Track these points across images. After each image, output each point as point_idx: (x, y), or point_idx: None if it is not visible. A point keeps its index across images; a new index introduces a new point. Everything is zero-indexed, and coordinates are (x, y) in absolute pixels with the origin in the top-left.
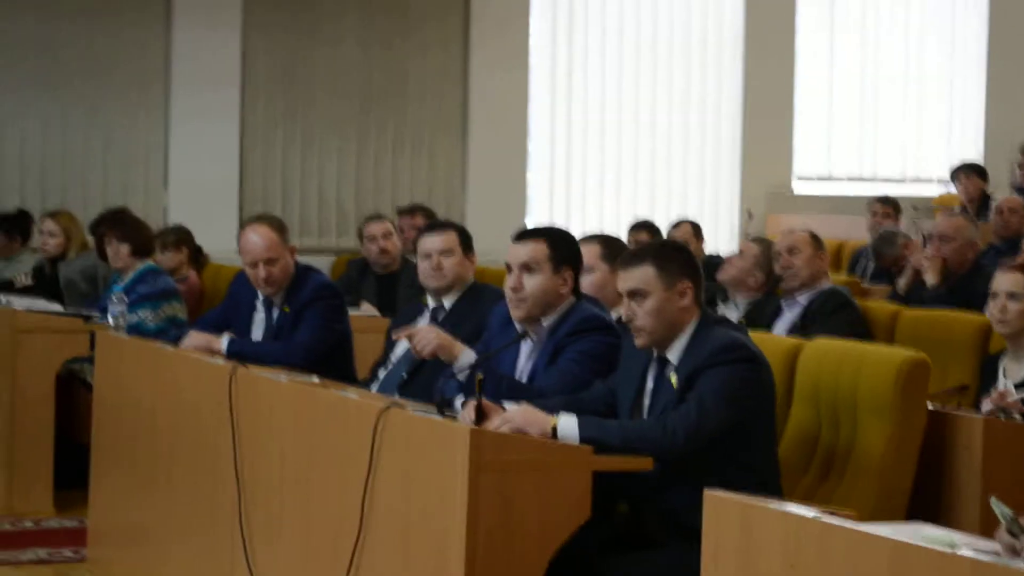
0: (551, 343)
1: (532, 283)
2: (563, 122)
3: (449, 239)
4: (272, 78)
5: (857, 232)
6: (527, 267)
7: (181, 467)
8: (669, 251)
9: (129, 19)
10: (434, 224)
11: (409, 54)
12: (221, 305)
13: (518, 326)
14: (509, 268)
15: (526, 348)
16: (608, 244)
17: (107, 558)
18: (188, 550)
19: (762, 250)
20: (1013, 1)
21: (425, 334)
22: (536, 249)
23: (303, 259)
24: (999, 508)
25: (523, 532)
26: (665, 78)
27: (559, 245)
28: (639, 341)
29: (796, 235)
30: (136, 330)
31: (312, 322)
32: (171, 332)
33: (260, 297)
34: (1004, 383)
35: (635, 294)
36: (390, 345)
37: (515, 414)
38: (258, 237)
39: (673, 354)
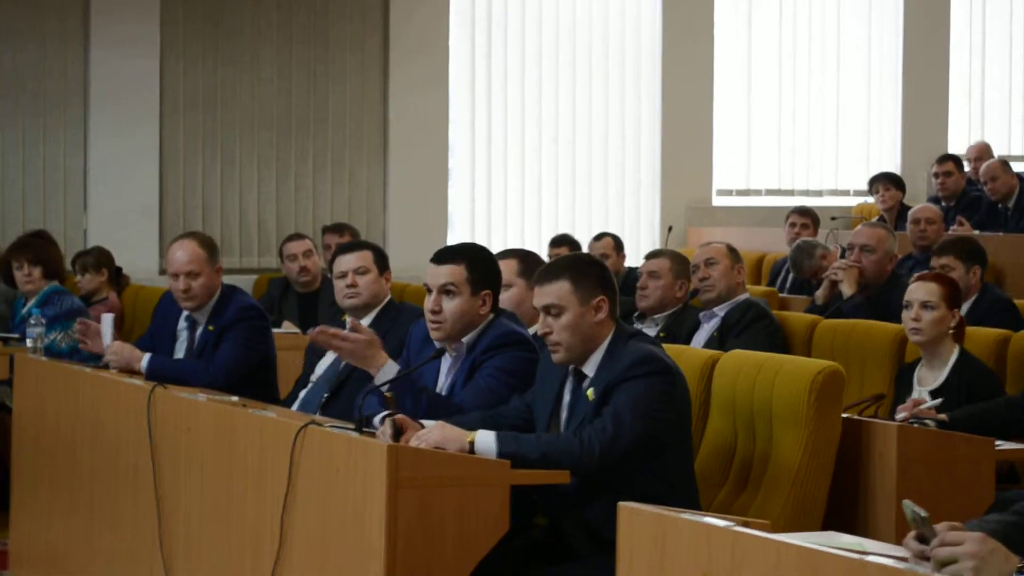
0: (469, 359)
1: (451, 306)
2: (483, 139)
3: (363, 258)
4: (191, 102)
5: (777, 244)
6: (446, 290)
7: (101, 488)
8: (584, 266)
9: (47, 41)
10: (349, 244)
11: (329, 79)
12: (148, 329)
13: (437, 343)
14: (428, 289)
15: (445, 364)
16: (525, 259)
17: None
18: (109, 572)
19: (671, 260)
20: (927, 13)
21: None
22: (455, 272)
23: (225, 279)
24: (910, 509)
25: (443, 547)
26: (584, 94)
27: (478, 267)
28: (556, 357)
29: (713, 247)
30: (49, 351)
31: (234, 342)
32: (83, 351)
33: (184, 315)
34: (919, 391)
35: (551, 309)
36: (311, 363)
37: (432, 430)
38: (183, 251)
39: (589, 368)
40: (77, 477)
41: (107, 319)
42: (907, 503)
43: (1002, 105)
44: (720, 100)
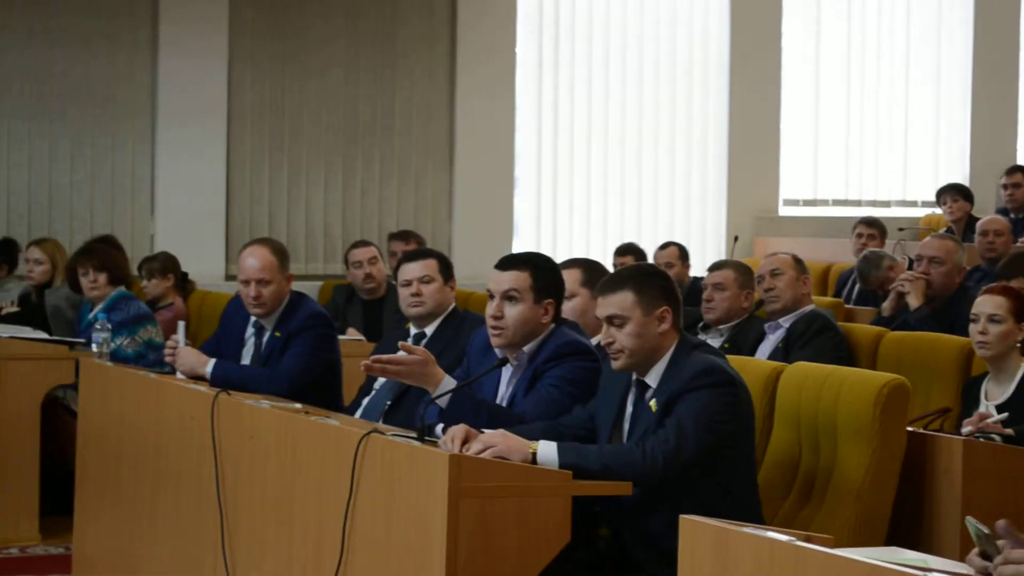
0: (531, 369)
1: (513, 313)
2: (549, 147)
3: (429, 266)
4: (259, 107)
5: (844, 255)
6: (509, 296)
7: (165, 493)
8: (648, 276)
9: (117, 49)
10: (414, 252)
11: (396, 83)
12: (215, 333)
13: (498, 351)
14: (491, 295)
15: (506, 373)
16: (589, 269)
17: None
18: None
19: (736, 271)
20: (998, 24)
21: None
22: (519, 278)
23: (292, 285)
24: (973, 527)
25: (503, 557)
26: (651, 102)
27: (543, 275)
28: (616, 364)
29: (779, 258)
30: (115, 357)
31: (300, 350)
32: (150, 356)
33: (252, 321)
34: (985, 405)
35: (614, 320)
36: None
37: (495, 440)
38: (254, 258)
39: (652, 379)
40: (140, 482)
41: (180, 327)
42: (970, 520)
43: None
44: (787, 109)
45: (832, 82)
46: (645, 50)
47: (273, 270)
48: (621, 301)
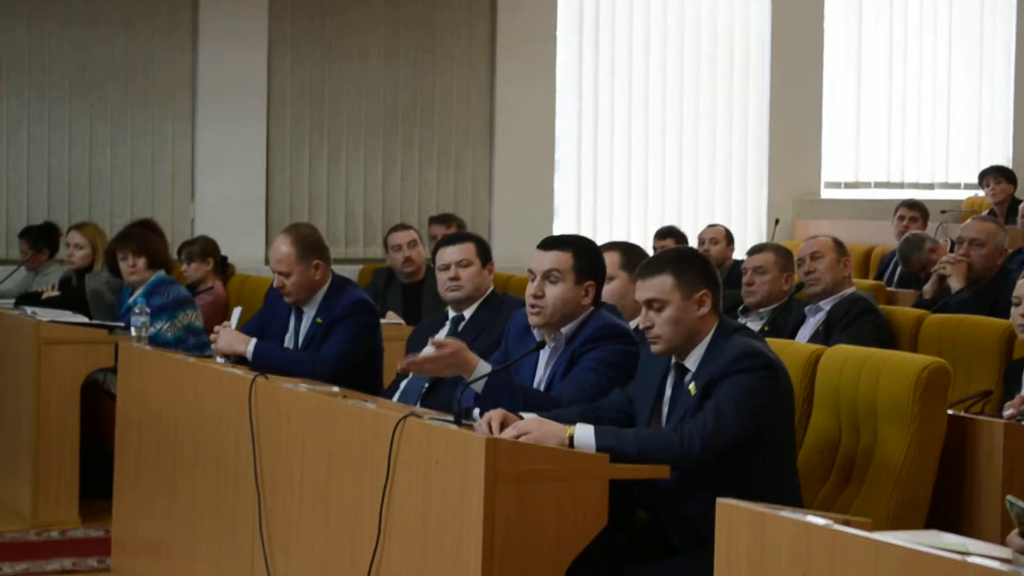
0: (568, 351)
1: (553, 292)
2: (590, 131)
3: (466, 250)
4: (298, 92)
5: (886, 237)
6: (550, 276)
7: (202, 477)
8: (687, 260)
9: (156, 33)
10: (452, 236)
11: (435, 67)
12: (258, 312)
13: (536, 333)
14: (532, 275)
15: (544, 356)
16: (628, 252)
17: (131, 568)
18: (209, 559)
19: (775, 254)
20: None
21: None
22: (561, 258)
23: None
24: (1014, 505)
25: (540, 541)
26: (692, 85)
27: (585, 257)
28: (656, 348)
29: (819, 240)
30: (154, 341)
31: (341, 336)
32: (189, 341)
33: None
34: None
35: (653, 303)
36: (412, 354)
37: (531, 424)
38: (275, 249)
39: (691, 362)
40: (179, 465)
41: (236, 313)
42: (1010, 498)
43: None
44: (829, 90)
45: (874, 64)
46: (686, 32)
47: (290, 261)
48: (660, 285)
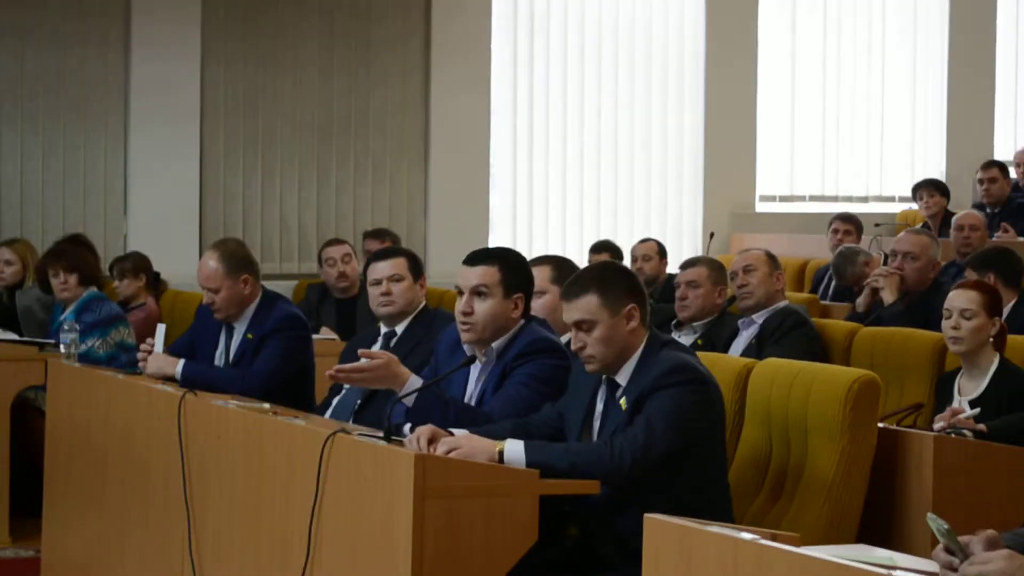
0: (499, 366)
1: (483, 308)
2: (525, 144)
3: (398, 265)
4: (232, 105)
5: (821, 251)
6: (478, 291)
7: (133, 495)
8: (610, 276)
9: (88, 45)
10: (383, 251)
11: (370, 80)
12: (188, 329)
13: (467, 348)
14: (460, 291)
15: (475, 371)
16: (559, 266)
17: None
18: None
19: (708, 268)
20: (974, 19)
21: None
22: (488, 273)
23: (265, 284)
24: (935, 524)
25: (470, 557)
26: (627, 99)
27: (511, 270)
28: (590, 367)
29: (752, 254)
30: (86, 358)
31: (272, 352)
32: (121, 358)
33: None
34: (959, 401)
35: (582, 324)
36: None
37: (461, 439)
38: (202, 266)
39: (622, 377)
40: (108, 484)
41: (160, 331)
42: (930, 516)
43: None
44: (763, 105)
45: (808, 78)
46: (620, 46)
47: (218, 277)
48: (587, 305)
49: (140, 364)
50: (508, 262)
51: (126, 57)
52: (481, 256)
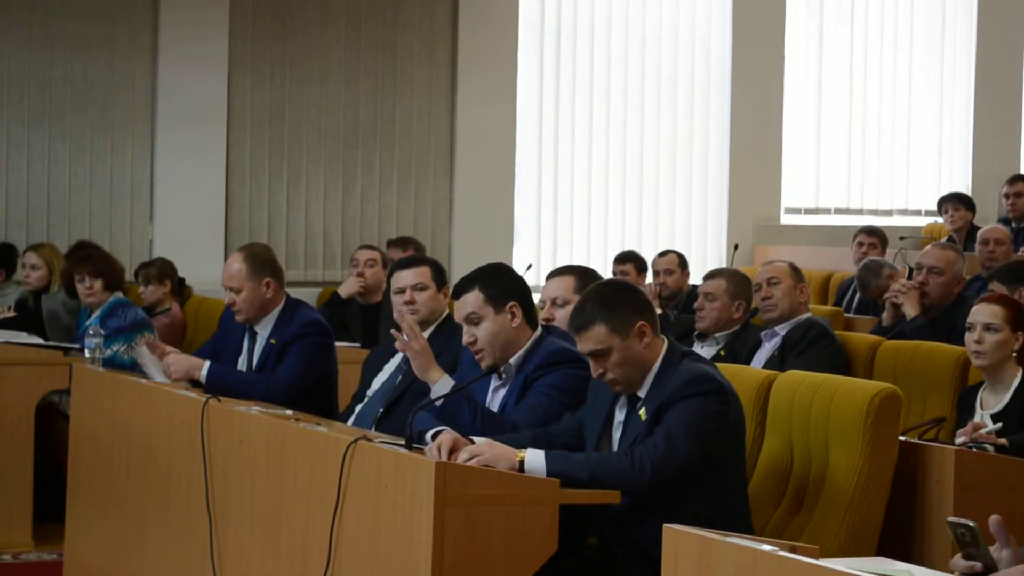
0: (520, 378)
1: (481, 332)
2: (550, 154)
3: (422, 274)
4: (258, 114)
5: (845, 264)
6: (470, 320)
7: (155, 500)
8: (613, 299)
9: (116, 54)
10: (407, 259)
11: (396, 90)
12: (213, 336)
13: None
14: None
15: (493, 384)
16: (583, 277)
17: None
18: None
19: (728, 280)
20: (1001, 33)
21: (411, 345)
22: (471, 300)
23: (290, 292)
24: (954, 525)
25: (490, 566)
26: (652, 109)
27: (491, 285)
28: (617, 390)
29: (775, 266)
30: (111, 363)
31: (296, 358)
32: None
33: (248, 326)
34: (980, 415)
35: (597, 354)
36: (367, 378)
37: (482, 448)
38: (227, 266)
39: (642, 389)
40: (131, 489)
41: (143, 351)
42: (951, 519)
43: None
44: (789, 117)
45: (834, 90)
46: (647, 57)
47: (241, 278)
48: (596, 336)
49: (164, 364)
50: (486, 279)
51: (153, 64)
52: (461, 286)
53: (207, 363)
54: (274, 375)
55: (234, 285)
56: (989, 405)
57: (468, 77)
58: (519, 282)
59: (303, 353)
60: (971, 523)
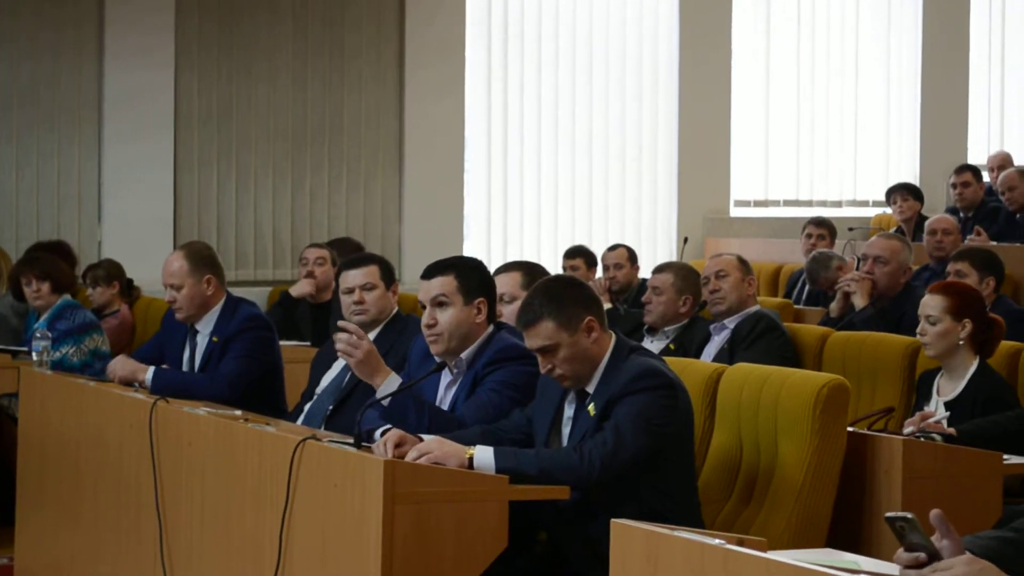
0: (470, 374)
1: (445, 317)
2: (499, 150)
3: (370, 273)
4: (206, 113)
5: (795, 255)
6: (439, 302)
7: (104, 502)
8: (560, 294)
9: (62, 53)
10: (355, 259)
11: (344, 87)
12: (155, 336)
13: (437, 359)
14: (423, 306)
15: (444, 380)
16: (530, 272)
17: None
18: None
19: (675, 274)
20: (947, 23)
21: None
22: (445, 283)
23: (239, 291)
24: (892, 519)
25: (440, 563)
26: (601, 104)
27: (468, 276)
28: (566, 385)
29: (723, 259)
30: (60, 366)
31: (238, 353)
32: (95, 365)
33: (188, 326)
34: (936, 401)
35: (545, 350)
36: (316, 376)
37: (431, 445)
38: (167, 263)
39: (591, 384)
40: (81, 491)
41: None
42: (888, 516)
43: (1022, 114)
44: (738, 110)
45: (782, 83)
46: (594, 52)
47: (182, 274)
48: (544, 331)
49: (108, 371)
50: (464, 269)
51: (100, 66)
52: (437, 268)
53: (151, 368)
54: (218, 371)
55: (174, 282)
56: (945, 392)
57: (416, 74)
58: (491, 282)
59: (245, 348)
60: (909, 515)
